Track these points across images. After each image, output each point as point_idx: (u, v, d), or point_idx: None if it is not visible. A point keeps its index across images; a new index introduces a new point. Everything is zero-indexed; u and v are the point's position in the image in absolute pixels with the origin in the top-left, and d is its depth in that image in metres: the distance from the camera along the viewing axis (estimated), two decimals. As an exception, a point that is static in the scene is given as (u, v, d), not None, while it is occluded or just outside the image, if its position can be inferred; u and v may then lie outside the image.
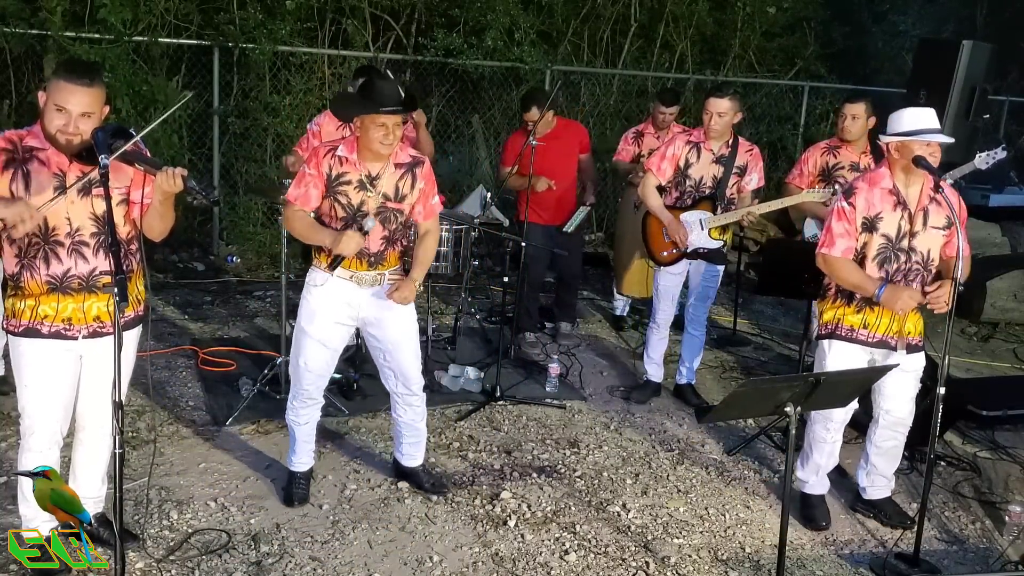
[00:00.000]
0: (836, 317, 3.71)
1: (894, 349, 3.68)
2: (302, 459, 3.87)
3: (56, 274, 2.94)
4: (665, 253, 4.94)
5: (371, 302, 3.62)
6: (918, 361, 3.75)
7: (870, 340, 3.68)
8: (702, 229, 4.83)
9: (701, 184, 4.84)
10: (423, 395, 3.88)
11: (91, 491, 3.33)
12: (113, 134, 2.76)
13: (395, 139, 3.43)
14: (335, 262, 3.48)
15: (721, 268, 5.02)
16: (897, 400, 3.78)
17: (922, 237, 3.58)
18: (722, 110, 4.70)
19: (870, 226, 3.59)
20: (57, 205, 2.86)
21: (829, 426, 3.82)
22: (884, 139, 3.60)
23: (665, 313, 5.09)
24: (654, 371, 5.22)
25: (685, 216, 4.84)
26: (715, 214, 4.83)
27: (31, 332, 2.97)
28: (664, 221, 4.84)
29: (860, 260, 3.63)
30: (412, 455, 3.97)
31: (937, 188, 3.41)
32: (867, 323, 3.66)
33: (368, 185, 3.49)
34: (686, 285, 5.13)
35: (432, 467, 4.10)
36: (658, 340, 5.16)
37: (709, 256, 4.90)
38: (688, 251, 4.88)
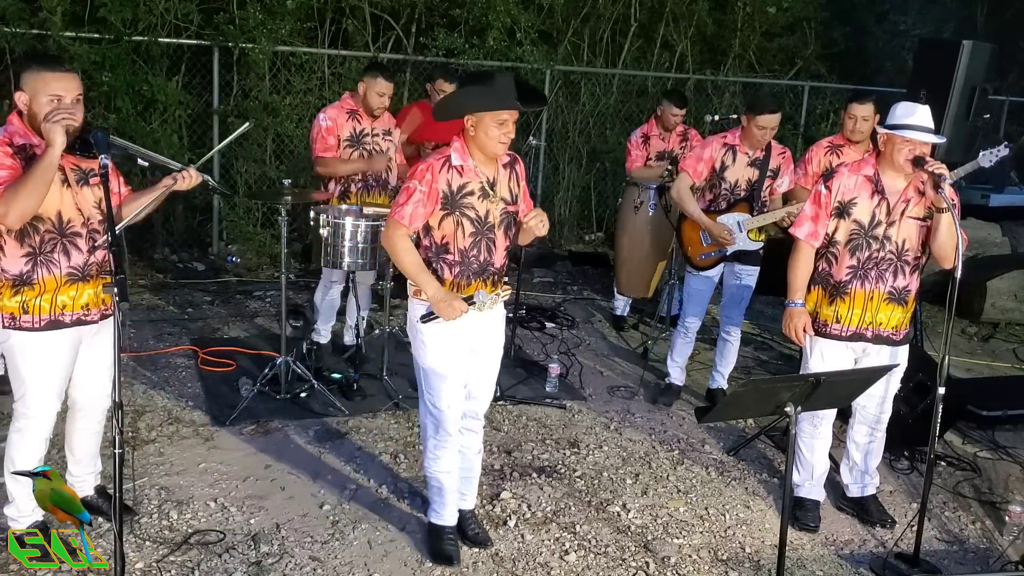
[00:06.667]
0: (814, 310, 3.76)
1: (869, 341, 3.69)
2: (452, 511, 3.49)
3: (77, 264, 3.06)
4: (703, 257, 4.93)
5: (482, 326, 3.33)
6: (896, 358, 3.74)
7: (844, 334, 3.70)
8: (740, 231, 4.82)
9: (736, 187, 4.83)
10: (483, 421, 3.55)
11: (88, 466, 3.47)
12: (101, 130, 2.85)
13: (512, 135, 3.15)
14: (427, 317, 3.19)
15: (756, 269, 4.98)
16: (870, 397, 3.77)
17: (898, 227, 3.59)
18: (775, 124, 4.71)
19: (842, 211, 3.63)
20: (65, 198, 2.98)
21: (816, 421, 3.83)
22: (879, 129, 3.65)
23: (695, 317, 5.06)
24: (677, 375, 5.21)
25: (722, 219, 4.82)
26: (752, 216, 4.83)
27: (55, 324, 3.05)
28: (703, 224, 4.82)
29: (830, 244, 3.67)
30: (462, 493, 3.57)
31: (937, 188, 3.41)
32: (839, 316, 3.68)
33: (490, 191, 3.22)
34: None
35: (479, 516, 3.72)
36: (684, 344, 5.14)
37: (743, 258, 4.87)
38: (728, 254, 4.86)
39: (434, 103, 5.77)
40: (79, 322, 3.10)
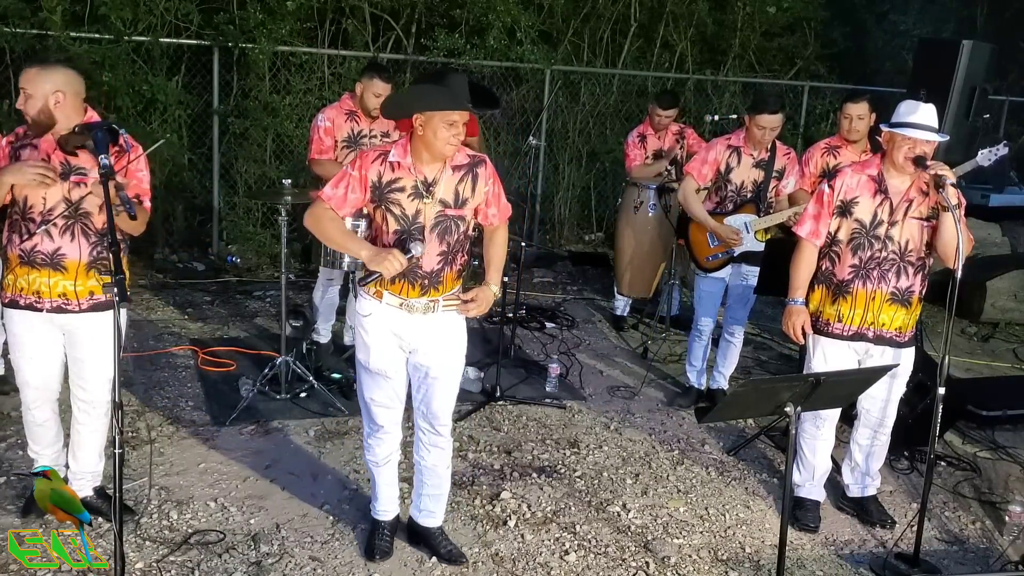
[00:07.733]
0: (817, 308, 3.75)
1: (870, 341, 3.69)
2: (386, 506, 3.47)
3: (25, 248, 3.16)
4: (710, 258, 4.92)
5: (421, 331, 3.20)
6: (900, 360, 3.73)
7: (845, 333, 3.69)
8: (748, 232, 4.81)
9: (742, 189, 4.82)
10: (450, 438, 3.40)
11: (88, 465, 3.50)
12: (100, 129, 2.92)
13: (461, 137, 3.06)
14: (368, 278, 3.09)
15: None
16: (873, 399, 3.78)
17: (901, 227, 3.59)
18: (776, 125, 4.71)
19: (844, 210, 3.63)
20: (41, 185, 3.08)
21: (819, 423, 3.83)
22: (883, 127, 3.65)
23: (708, 319, 5.05)
24: (696, 377, 5.20)
25: (729, 220, 4.82)
26: (759, 217, 4.82)
27: (13, 303, 3.25)
28: (710, 226, 4.82)
29: (832, 243, 3.68)
30: (430, 511, 3.47)
31: (938, 188, 3.41)
32: (841, 315, 3.68)
33: (424, 192, 3.08)
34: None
35: (449, 531, 3.57)
36: (699, 347, 5.12)
37: (750, 258, 4.85)
38: (736, 255, 4.85)
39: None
40: (30, 307, 3.20)
